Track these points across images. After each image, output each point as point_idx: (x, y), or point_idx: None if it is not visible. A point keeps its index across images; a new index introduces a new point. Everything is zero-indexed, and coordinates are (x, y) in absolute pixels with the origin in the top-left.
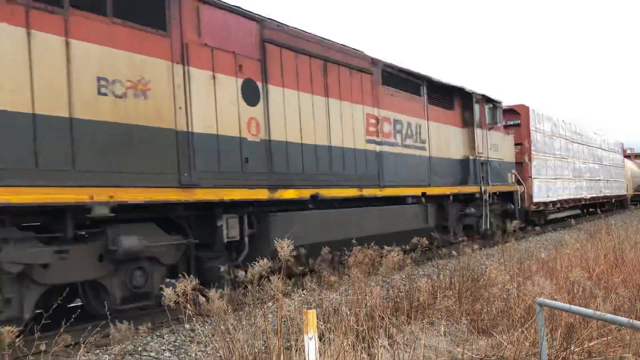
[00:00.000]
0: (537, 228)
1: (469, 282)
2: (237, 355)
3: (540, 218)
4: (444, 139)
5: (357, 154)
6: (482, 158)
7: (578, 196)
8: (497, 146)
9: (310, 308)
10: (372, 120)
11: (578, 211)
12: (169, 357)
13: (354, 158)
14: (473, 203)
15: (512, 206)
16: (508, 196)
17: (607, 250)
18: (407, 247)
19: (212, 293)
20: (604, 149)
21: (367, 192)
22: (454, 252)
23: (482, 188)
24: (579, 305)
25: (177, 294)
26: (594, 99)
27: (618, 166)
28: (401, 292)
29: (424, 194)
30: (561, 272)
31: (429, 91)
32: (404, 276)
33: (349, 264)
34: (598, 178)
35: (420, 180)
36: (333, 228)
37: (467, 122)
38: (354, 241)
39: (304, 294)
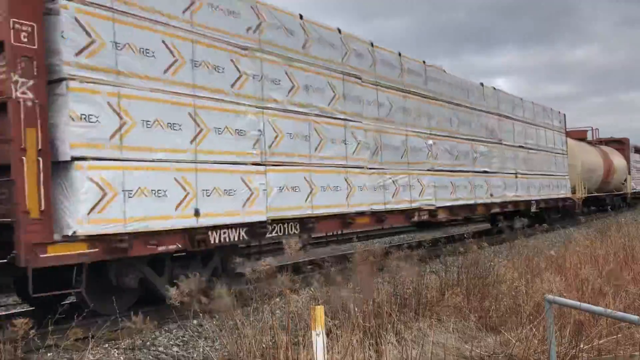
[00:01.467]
0: None
1: (477, 279)
2: (244, 350)
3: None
4: None
5: None
6: None
7: (397, 205)
8: None
9: (318, 304)
10: None
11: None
12: (177, 352)
13: None
14: None
15: None
16: None
17: (617, 248)
18: None
19: (220, 289)
20: (511, 118)
21: None
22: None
23: None
24: (589, 303)
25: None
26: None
27: (554, 152)
28: (409, 288)
29: None
30: (570, 269)
31: None
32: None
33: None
34: (488, 170)
35: None
36: None
37: None
38: None
39: (311, 290)
